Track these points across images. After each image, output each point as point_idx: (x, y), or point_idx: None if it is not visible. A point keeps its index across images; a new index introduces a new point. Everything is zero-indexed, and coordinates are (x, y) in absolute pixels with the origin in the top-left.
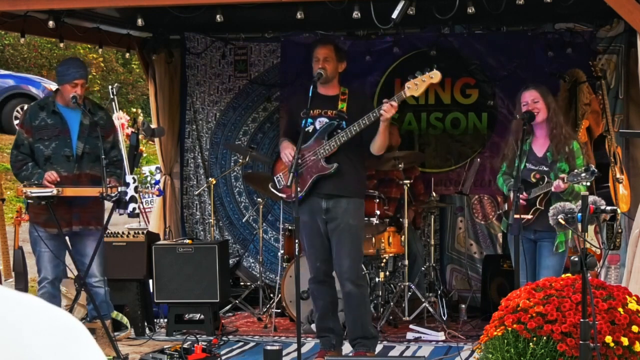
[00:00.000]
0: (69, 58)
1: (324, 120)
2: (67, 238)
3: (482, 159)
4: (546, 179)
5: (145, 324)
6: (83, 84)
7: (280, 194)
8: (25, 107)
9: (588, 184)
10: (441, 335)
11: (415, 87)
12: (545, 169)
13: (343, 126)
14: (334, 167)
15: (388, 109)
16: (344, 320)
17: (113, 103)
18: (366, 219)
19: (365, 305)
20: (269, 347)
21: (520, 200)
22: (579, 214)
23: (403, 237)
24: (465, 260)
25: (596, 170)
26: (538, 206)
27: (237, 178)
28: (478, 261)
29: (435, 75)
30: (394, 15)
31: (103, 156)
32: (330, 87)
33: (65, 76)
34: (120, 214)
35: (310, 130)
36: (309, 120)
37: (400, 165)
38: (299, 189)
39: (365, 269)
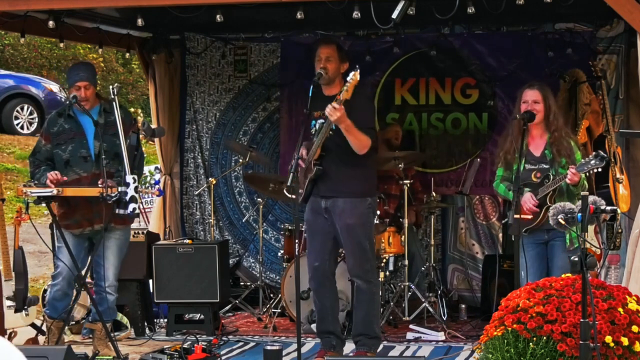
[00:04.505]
0: (76, 62)
1: (321, 121)
2: (85, 238)
3: (483, 159)
4: (550, 176)
5: (145, 324)
6: (87, 86)
7: (292, 196)
8: (26, 107)
9: (600, 169)
10: (441, 335)
11: (346, 90)
12: (545, 166)
13: (333, 127)
14: (315, 170)
15: (330, 112)
16: (345, 320)
17: (113, 103)
18: None
19: (374, 303)
20: (269, 347)
21: (533, 207)
22: (579, 214)
23: (403, 237)
24: (466, 260)
25: (605, 155)
26: (549, 203)
27: (238, 178)
28: (480, 261)
29: (354, 77)
30: (394, 15)
31: (103, 156)
32: (333, 87)
33: (69, 79)
34: (120, 214)
35: (313, 132)
36: (312, 122)
37: (400, 165)
38: (300, 190)
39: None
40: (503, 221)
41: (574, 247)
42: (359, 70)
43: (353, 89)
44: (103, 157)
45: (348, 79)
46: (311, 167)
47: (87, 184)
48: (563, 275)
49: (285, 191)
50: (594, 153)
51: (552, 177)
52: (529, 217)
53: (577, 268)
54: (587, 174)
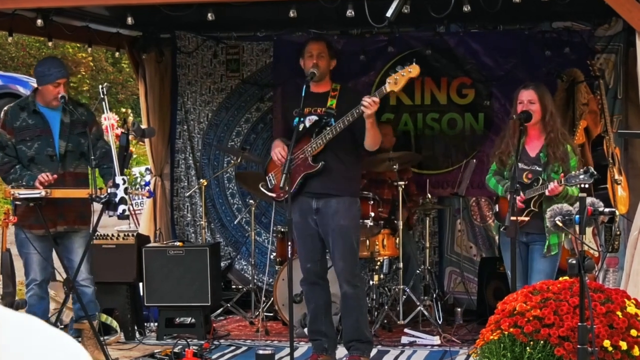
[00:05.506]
0: (47, 58)
1: (314, 118)
2: (53, 239)
3: (479, 160)
4: (540, 180)
5: (135, 327)
6: (65, 83)
7: (270, 194)
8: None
9: (587, 186)
10: (436, 340)
11: (395, 82)
12: (538, 169)
13: (331, 123)
14: (319, 166)
15: (368, 105)
16: (338, 324)
17: (103, 103)
18: (360, 220)
19: (362, 308)
20: (261, 352)
21: (518, 203)
22: (577, 216)
23: (397, 239)
24: (463, 262)
25: (595, 173)
26: (532, 208)
27: (230, 179)
28: (478, 264)
29: (413, 69)
30: (389, 13)
31: (92, 157)
32: (322, 84)
33: (47, 77)
34: (110, 216)
35: (301, 129)
36: (296, 119)
37: (394, 167)
38: (287, 187)
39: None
40: (492, 213)
41: (551, 253)
42: (415, 63)
43: (405, 82)
44: (92, 157)
45: (402, 71)
46: (309, 163)
47: (52, 184)
48: (561, 279)
49: (260, 187)
50: (584, 168)
51: (541, 181)
52: (526, 219)
53: (575, 271)
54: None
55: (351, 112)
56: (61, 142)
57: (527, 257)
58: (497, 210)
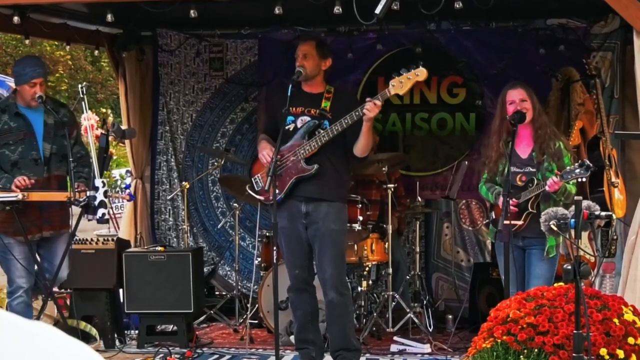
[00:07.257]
0: (24, 57)
1: (306, 118)
2: (34, 245)
3: (470, 162)
4: (535, 180)
5: (115, 335)
6: (42, 82)
7: (258, 197)
8: None
9: (584, 179)
10: (427, 348)
11: (400, 85)
12: (531, 169)
13: (325, 126)
14: (314, 169)
15: (371, 108)
16: (325, 332)
17: (82, 103)
18: (348, 225)
19: (349, 315)
20: None
21: (512, 208)
22: (572, 220)
23: (387, 244)
24: (452, 268)
25: (591, 165)
26: (530, 209)
27: (215, 182)
28: (465, 269)
29: (421, 73)
30: (378, 10)
31: (71, 159)
32: (314, 84)
33: (22, 76)
34: (89, 220)
35: (290, 129)
36: (290, 118)
37: (384, 169)
38: (277, 191)
39: (347, 278)
40: (486, 221)
41: (550, 256)
42: (422, 68)
43: (411, 86)
44: (71, 158)
45: (407, 74)
46: (302, 166)
47: (37, 188)
48: (556, 285)
49: (247, 189)
50: (579, 162)
51: (536, 181)
52: (519, 223)
53: (570, 277)
54: (576, 180)
55: (350, 115)
56: (45, 144)
57: (524, 263)
58: (494, 217)
